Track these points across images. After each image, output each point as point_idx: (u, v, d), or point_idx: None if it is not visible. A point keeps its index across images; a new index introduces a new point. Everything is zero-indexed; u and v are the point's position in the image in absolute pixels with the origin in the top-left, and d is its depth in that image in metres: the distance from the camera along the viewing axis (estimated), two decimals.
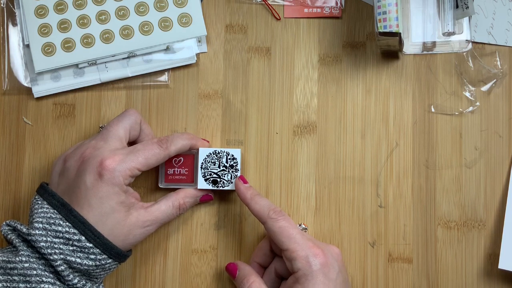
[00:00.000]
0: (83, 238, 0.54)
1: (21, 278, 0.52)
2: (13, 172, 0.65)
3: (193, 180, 0.63)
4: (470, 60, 0.63)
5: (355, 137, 0.64)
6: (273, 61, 0.66)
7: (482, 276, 0.61)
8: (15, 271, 0.53)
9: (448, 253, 0.62)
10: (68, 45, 0.64)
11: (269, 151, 0.64)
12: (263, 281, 0.58)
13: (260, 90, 0.65)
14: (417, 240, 0.62)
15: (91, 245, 0.54)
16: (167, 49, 0.65)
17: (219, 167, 0.62)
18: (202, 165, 0.62)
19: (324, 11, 0.65)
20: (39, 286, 0.52)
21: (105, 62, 0.65)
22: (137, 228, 0.57)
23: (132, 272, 0.64)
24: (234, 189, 0.61)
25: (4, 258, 0.53)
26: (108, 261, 0.55)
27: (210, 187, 0.62)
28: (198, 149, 0.62)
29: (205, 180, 0.62)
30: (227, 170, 0.62)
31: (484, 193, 0.62)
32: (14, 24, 0.66)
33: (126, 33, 0.65)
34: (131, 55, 0.65)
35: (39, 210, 0.55)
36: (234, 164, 0.62)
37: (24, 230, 0.54)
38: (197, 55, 0.66)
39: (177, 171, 0.63)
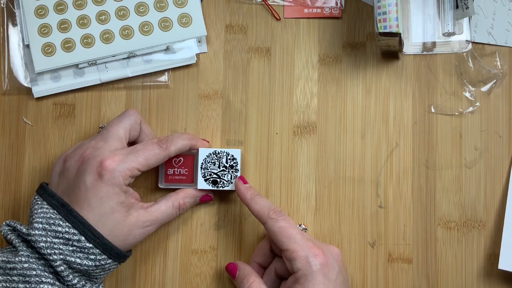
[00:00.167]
0: (83, 238, 0.54)
1: (21, 278, 0.52)
2: (13, 172, 0.65)
3: (193, 180, 0.63)
4: (470, 61, 0.63)
5: (355, 137, 0.64)
6: (273, 61, 0.66)
7: (482, 276, 0.61)
8: (15, 271, 0.53)
9: (448, 253, 0.62)
10: (68, 45, 0.64)
11: (269, 151, 0.64)
12: (263, 281, 0.58)
13: (260, 90, 0.65)
14: (417, 240, 0.62)
15: (91, 245, 0.54)
16: (167, 49, 0.65)
17: (219, 167, 0.62)
18: (202, 165, 0.62)
19: (324, 11, 0.65)
20: (38, 287, 0.52)
21: (105, 62, 0.65)
22: (137, 228, 0.57)
23: (132, 272, 0.64)
24: (234, 189, 0.61)
25: (3, 258, 0.53)
26: (108, 261, 0.55)
27: (210, 187, 0.62)
28: (198, 149, 0.62)
29: (205, 180, 0.62)
30: (227, 170, 0.62)
31: (484, 193, 0.62)
32: (14, 24, 0.66)
33: (126, 33, 0.65)
34: (131, 55, 0.65)
35: (39, 210, 0.55)
36: (234, 164, 0.62)
37: (24, 230, 0.54)
38: (197, 55, 0.66)
39: (177, 171, 0.63)
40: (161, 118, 0.65)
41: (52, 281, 0.53)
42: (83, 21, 0.65)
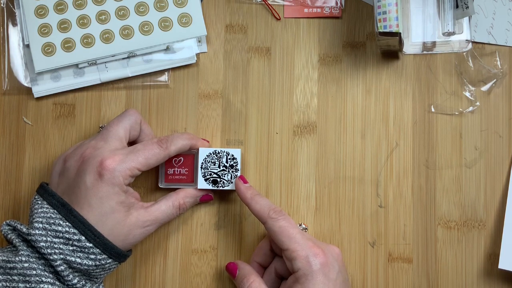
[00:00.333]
0: (83, 238, 0.54)
1: (21, 278, 0.52)
2: (13, 172, 0.65)
3: (193, 180, 0.63)
4: (470, 60, 0.63)
5: (355, 137, 0.64)
6: (273, 61, 0.66)
7: (482, 276, 0.61)
8: (15, 271, 0.53)
9: (448, 253, 0.62)
10: (68, 45, 0.64)
11: (269, 151, 0.64)
12: (263, 280, 0.58)
13: (260, 90, 0.65)
14: (417, 240, 0.62)
15: (91, 245, 0.54)
16: (167, 49, 0.65)
17: (219, 167, 0.62)
18: (202, 165, 0.62)
19: (324, 11, 0.65)
20: (38, 286, 0.52)
21: (105, 62, 0.65)
22: (137, 228, 0.57)
23: (132, 272, 0.64)
24: (234, 189, 0.61)
25: (4, 258, 0.53)
26: (108, 261, 0.55)
27: (210, 187, 0.62)
28: (198, 149, 0.62)
29: (205, 180, 0.62)
30: (227, 170, 0.62)
31: (484, 193, 0.62)
32: (14, 24, 0.66)
33: (126, 33, 0.65)
34: (131, 55, 0.65)
35: (39, 210, 0.55)
36: (234, 164, 0.62)
37: (24, 230, 0.54)
38: (197, 55, 0.66)
39: (177, 171, 0.63)
40: (161, 118, 0.65)
41: (52, 280, 0.53)
42: (83, 21, 0.65)
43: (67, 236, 0.54)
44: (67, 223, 0.54)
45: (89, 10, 0.65)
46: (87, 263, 0.54)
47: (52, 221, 0.54)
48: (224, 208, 0.64)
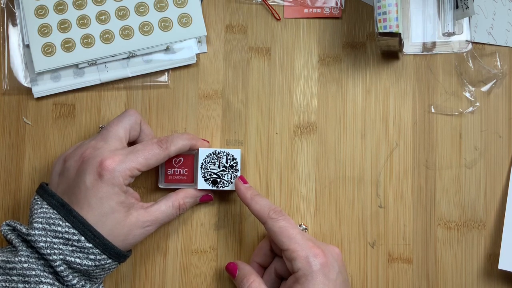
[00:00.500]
0: (83, 238, 0.54)
1: (20, 278, 0.52)
2: (13, 172, 0.65)
3: (193, 180, 0.63)
4: (470, 61, 0.63)
5: (355, 137, 0.64)
6: (273, 61, 0.66)
7: (482, 276, 0.61)
8: (14, 271, 0.53)
9: (448, 253, 0.62)
10: (68, 45, 0.64)
11: (269, 151, 0.64)
12: (263, 281, 0.58)
13: (260, 90, 0.65)
14: (417, 240, 0.62)
15: (90, 245, 0.54)
16: (167, 49, 0.65)
17: (219, 167, 0.62)
18: (202, 165, 0.62)
19: (324, 11, 0.65)
20: (38, 287, 0.52)
21: (105, 62, 0.65)
22: (137, 228, 0.57)
23: (132, 272, 0.64)
24: (234, 189, 0.61)
25: (3, 258, 0.53)
26: (107, 261, 0.55)
27: (210, 187, 0.62)
28: (198, 149, 0.62)
29: (205, 180, 0.62)
30: (227, 170, 0.62)
31: (484, 193, 0.62)
32: (14, 24, 0.66)
33: (126, 33, 0.65)
34: (131, 55, 0.65)
35: (39, 210, 0.55)
36: (234, 164, 0.62)
37: (24, 230, 0.54)
38: (197, 55, 0.66)
39: (177, 171, 0.63)
40: (161, 118, 0.65)
41: (51, 281, 0.53)
42: (83, 21, 0.65)
43: (67, 236, 0.54)
44: (66, 224, 0.54)
45: (89, 10, 0.65)
46: (86, 263, 0.54)
47: (51, 222, 0.54)
48: (224, 208, 0.64)
